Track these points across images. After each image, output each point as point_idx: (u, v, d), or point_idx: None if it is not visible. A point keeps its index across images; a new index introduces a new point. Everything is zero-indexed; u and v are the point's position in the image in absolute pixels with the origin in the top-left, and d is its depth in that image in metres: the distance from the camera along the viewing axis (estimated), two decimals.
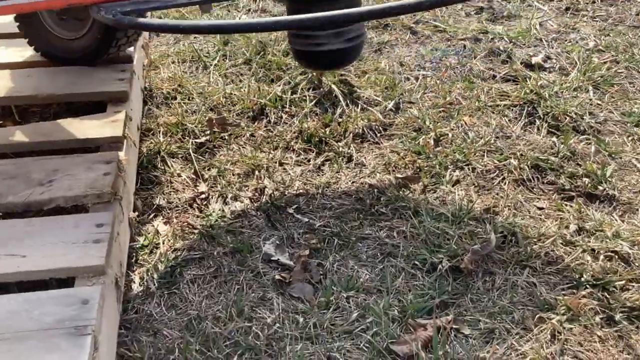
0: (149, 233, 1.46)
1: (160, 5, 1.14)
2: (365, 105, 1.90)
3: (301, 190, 1.60)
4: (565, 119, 1.80)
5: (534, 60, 2.10)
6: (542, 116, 1.82)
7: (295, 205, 1.55)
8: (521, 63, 2.09)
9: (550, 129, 1.78)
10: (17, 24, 1.76)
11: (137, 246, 1.41)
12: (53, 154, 1.41)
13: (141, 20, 1.06)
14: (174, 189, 1.60)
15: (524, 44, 2.22)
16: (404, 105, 1.91)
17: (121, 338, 1.19)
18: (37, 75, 1.68)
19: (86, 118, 1.51)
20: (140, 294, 1.31)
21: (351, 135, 1.78)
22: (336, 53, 1.36)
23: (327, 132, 1.78)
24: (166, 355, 1.17)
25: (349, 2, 1.31)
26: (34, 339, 0.95)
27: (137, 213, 1.46)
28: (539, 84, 1.93)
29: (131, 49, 1.82)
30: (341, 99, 1.89)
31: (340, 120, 1.83)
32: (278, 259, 1.38)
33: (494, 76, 2.03)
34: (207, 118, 1.81)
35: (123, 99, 1.59)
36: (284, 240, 1.44)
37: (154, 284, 1.32)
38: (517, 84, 1.97)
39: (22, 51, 1.79)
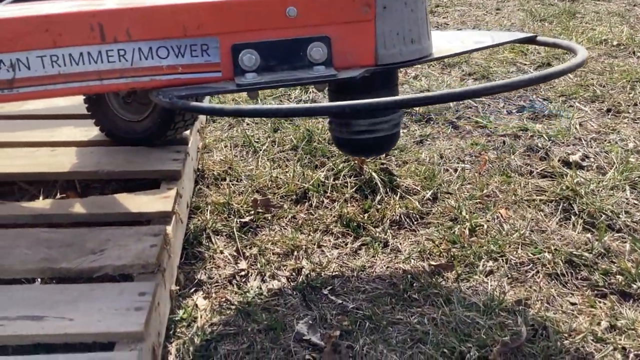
0: (188, 306, 1.53)
1: (212, 91, 1.26)
2: (403, 194, 1.97)
3: (337, 272, 1.65)
4: (601, 216, 1.82)
5: (571, 158, 2.14)
6: (577, 212, 1.85)
7: (330, 287, 1.60)
8: (559, 160, 2.14)
9: (585, 226, 1.80)
10: (87, 105, 1.93)
11: (176, 319, 1.48)
12: (108, 226, 1.52)
13: (193, 103, 1.18)
14: (215, 265, 1.68)
15: (563, 143, 2.28)
16: (442, 196, 1.97)
17: None
18: (99, 153, 1.83)
19: (141, 194, 1.62)
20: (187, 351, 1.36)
21: (388, 221, 1.84)
22: (377, 140, 1.45)
23: (366, 218, 1.85)
24: None
25: (388, 93, 1.41)
26: None
27: (178, 287, 1.54)
28: (575, 181, 1.97)
29: (187, 132, 1.96)
30: (381, 186, 1.97)
31: (379, 207, 1.90)
32: (310, 339, 1.42)
33: (531, 172, 2.08)
34: (252, 199, 1.91)
35: (176, 177, 1.71)
36: (317, 320, 1.48)
37: (189, 357, 1.37)
38: (554, 181, 2.02)
39: (88, 131, 1.95)
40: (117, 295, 1.24)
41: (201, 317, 1.50)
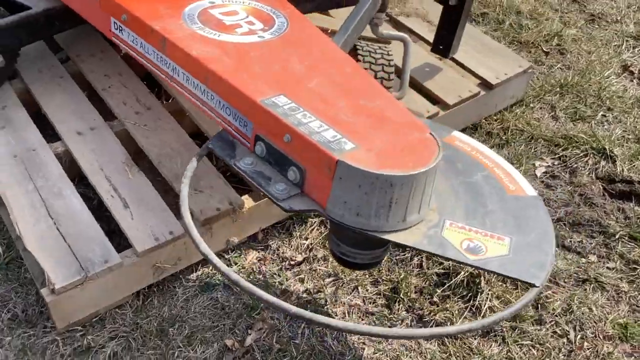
0: (243, 254, 2.14)
1: (228, 159, 1.67)
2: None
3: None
4: None
5: None
6: None
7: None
8: None
9: None
10: None
11: (226, 256, 2.13)
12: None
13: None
14: (290, 244, 2.19)
15: None
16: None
17: None
18: None
19: None
20: (194, 278, 2.07)
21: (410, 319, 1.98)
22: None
23: (418, 299, 2.02)
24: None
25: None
26: None
27: (237, 240, 2.13)
28: None
29: None
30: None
31: (435, 307, 2.02)
32: (233, 344, 1.93)
33: None
34: None
35: None
36: (261, 337, 1.95)
37: (198, 281, 2.06)
38: None
39: None
40: (164, 224, 1.98)
41: (236, 265, 2.11)
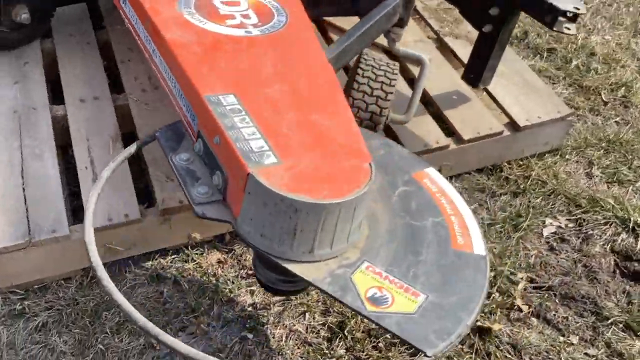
0: (205, 252, 2.06)
1: (169, 152, 1.61)
2: None
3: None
4: None
5: None
6: None
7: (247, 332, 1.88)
8: None
9: None
10: None
11: (185, 251, 2.06)
12: None
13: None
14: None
15: None
16: None
17: None
18: None
19: None
20: (148, 266, 2.02)
21: None
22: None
23: (362, 340, 1.86)
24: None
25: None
26: None
27: (199, 237, 2.05)
28: None
29: None
30: None
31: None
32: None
33: None
34: None
35: None
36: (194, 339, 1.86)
37: (147, 271, 2.00)
38: None
39: None
40: (123, 205, 1.94)
41: (194, 262, 2.04)
